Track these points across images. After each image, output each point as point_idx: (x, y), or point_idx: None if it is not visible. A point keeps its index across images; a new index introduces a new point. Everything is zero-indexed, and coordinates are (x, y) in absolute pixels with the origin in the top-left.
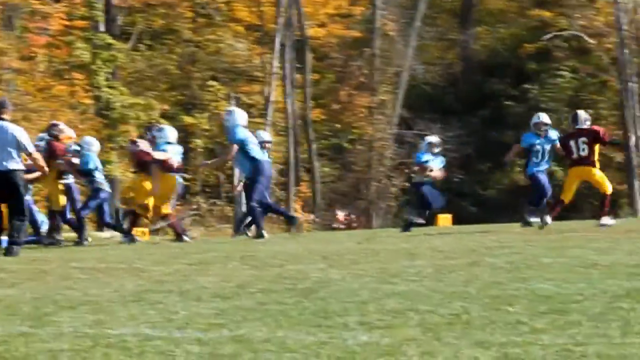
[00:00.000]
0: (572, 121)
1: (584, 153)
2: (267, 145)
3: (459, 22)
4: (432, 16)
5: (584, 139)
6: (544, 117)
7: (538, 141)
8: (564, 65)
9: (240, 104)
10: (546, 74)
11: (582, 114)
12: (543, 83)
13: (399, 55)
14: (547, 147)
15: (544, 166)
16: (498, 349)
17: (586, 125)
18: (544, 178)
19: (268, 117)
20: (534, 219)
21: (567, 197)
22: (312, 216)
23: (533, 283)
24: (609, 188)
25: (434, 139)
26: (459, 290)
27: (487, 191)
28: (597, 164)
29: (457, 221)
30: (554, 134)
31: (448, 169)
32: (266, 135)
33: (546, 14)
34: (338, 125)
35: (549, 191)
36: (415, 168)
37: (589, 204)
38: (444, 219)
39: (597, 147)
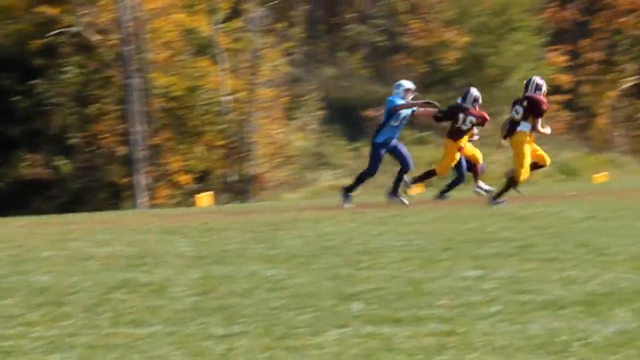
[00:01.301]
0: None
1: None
2: None
3: None
4: None
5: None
6: (409, 83)
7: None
8: (70, 61)
9: None
10: (53, 69)
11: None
12: (50, 78)
13: None
14: (408, 113)
15: (397, 134)
16: None
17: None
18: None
19: None
20: (400, 200)
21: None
22: None
23: (31, 275)
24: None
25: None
26: None
27: None
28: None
29: None
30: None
31: None
32: None
33: (52, 10)
34: None
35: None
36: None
37: (94, 197)
38: None
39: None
